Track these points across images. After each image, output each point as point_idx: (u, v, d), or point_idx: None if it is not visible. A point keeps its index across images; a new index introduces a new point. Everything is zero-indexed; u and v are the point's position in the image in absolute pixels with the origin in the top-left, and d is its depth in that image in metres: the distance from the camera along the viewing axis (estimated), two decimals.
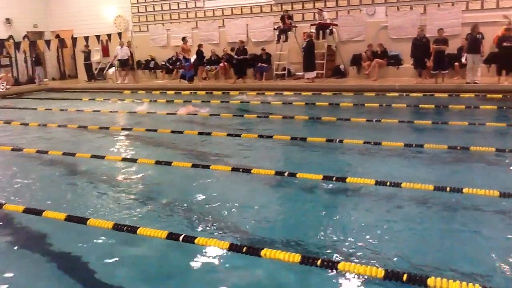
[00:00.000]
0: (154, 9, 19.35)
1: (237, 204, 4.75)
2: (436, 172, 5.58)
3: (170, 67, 18.28)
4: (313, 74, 14.77)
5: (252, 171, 5.58)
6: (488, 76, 12.81)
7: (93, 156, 6.77)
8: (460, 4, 14.12)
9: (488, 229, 3.97)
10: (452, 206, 4.42)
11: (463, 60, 13.08)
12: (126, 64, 17.96)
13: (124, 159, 6.70)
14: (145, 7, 19.49)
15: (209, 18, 18.24)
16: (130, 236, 3.92)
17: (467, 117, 8.53)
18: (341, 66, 15.64)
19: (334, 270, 3.18)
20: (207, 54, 17.23)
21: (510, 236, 3.82)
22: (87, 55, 19.34)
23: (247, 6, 17.40)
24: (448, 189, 4.55)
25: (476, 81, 12.21)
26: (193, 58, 17.00)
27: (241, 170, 5.71)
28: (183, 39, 16.81)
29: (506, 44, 11.96)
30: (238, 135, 7.87)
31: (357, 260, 3.38)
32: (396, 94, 12.12)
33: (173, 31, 18.87)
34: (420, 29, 13.48)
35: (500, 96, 10.98)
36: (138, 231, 3.88)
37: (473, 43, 12.22)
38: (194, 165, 5.99)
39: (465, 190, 4.47)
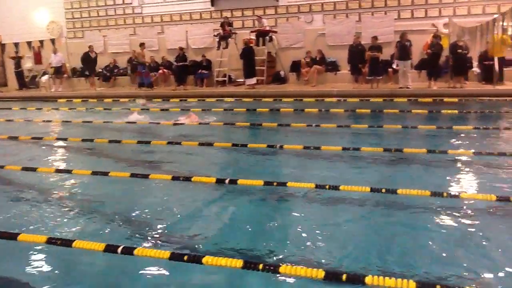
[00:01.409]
0: (89, 14, 18.78)
1: (177, 213, 4.68)
2: (372, 174, 5.76)
3: (108, 74, 17.78)
4: (253, 80, 14.91)
5: (192, 179, 5.51)
6: (419, 81, 13.50)
7: (24, 168, 6.42)
8: (392, 13, 14.83)
9: (421, 227, 4.14)
10: (387, 206, 4.58)
11: (394, 66, 13.72)
12: (60, 72, 17.28)
13: (58, 171, 6.39)
14: (80, 12, 18.86)
15: (147, 24, 17.95)
16: (66, 250, 3.73)
17: (400, 121, 8.92)
18: (281, 72, 15.90)
19: (276, 274, 3.20)
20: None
21: (441, 233, 4.01)
22: (18, 62, 18.43)
23: (186, 12, 17.29)
24: (383, 190, 4.71)
25: (409, 86, 12.83)
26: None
27: (181, 178, 5.62)
28: (141, 44, 16.42)
29: (433, 50, 12.70)
30: (179, 143, 7.75)
31: (299, 263, 3.41)
32: (334, 99, 12.46)
33: (110, 38, 18.40)
34: (356, 37, 14.00)
35: (430, 100, 11.59)
36: (73, 244, 3.71)
37: (402, 50, 12.87)
38: (132, 175, 5.81)
39: (399, 191, 4.65)
